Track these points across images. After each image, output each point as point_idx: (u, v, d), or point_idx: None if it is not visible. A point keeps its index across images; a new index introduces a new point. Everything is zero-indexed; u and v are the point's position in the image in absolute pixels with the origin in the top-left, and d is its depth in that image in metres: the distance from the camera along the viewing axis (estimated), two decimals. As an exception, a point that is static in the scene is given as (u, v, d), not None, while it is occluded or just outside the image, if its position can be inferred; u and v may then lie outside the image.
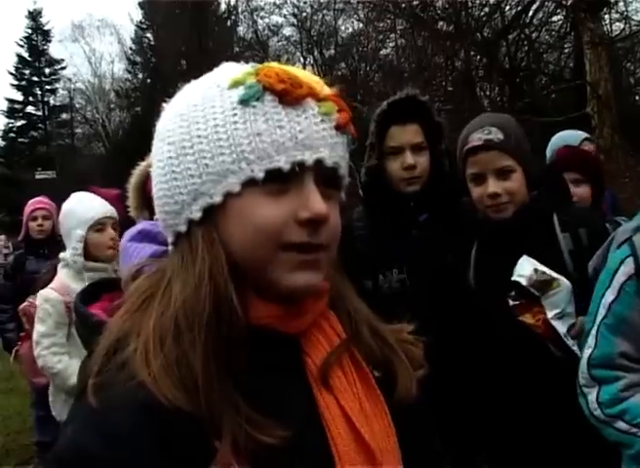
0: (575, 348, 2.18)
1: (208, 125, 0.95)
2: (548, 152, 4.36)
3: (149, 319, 0.93)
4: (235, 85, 0.95)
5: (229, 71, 1.00)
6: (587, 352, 2.15)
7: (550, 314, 2.19)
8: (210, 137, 0.95)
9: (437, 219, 2.66)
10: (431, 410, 1.17)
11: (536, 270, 2.19)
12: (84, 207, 3.65)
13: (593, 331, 2.14)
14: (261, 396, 0.92)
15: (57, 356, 3.54)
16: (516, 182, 2.35)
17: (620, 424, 2.06)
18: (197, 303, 0.91)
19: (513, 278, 2.21)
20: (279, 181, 0.94)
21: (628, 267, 2.11)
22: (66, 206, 3.77)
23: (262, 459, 0.87)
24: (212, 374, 0.88)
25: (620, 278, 2.12)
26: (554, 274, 2.20)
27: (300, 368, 0.99)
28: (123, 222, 5.04)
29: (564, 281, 2.21)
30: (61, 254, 3.72)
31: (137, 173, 4.08)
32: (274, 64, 0.99)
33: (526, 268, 2.21)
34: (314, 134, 0.95)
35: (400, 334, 1.13)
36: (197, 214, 0.95)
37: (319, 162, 0.95)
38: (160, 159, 1.00)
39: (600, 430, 2.12)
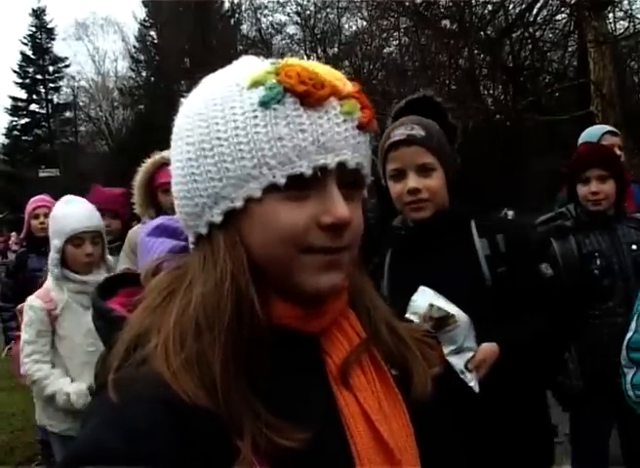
0: (472, 384, 2.11)
1: (228, 126, 0.93)
2: None
3: (170, 316, 0.93)
4: (255, 85, 0.93)
5: (249, 68, 0.97)
6: (628, 335, 2.26)
7: (446, 350, 2.11)
8: (230, 140, 0.93)
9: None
10: (448, 409, 1.17)
11: (431, 306, 2.10)
12: (65, 218, 3.62)
13: (635, 316, 2.25)
14: (281, 395, 0.91)
15: (37, 364, 3.54)
16: (437, 181, 2.30)
17: None
18: (218, 304, 0.91)
19: (407, 315, 2.11)
20: (301, 186, 0.92)
21: None
22: (53, 211, 3.77)
23: (282, 459, 0.87)
24: (230, 376, 0.88)
25: None
26: (451, 309, 2.12)
27: (320, 367, 0.99)
28: (128, 220, 5.07)
29: (461, 315, 2.14)
30: (48, 266, 3.72)
31: (142, 170, 4.09)
32: (294, 62, 0.96)
33: (421, 304, 2.12)
34: (336, 135, 0.93)
35: (415, 333, 1.13)
36: (218, 218, 0.94)
37: (342, 164, 0.93)
38: (179, 159, 0.98)
39: (635, 410, 2.24)
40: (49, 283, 3.66)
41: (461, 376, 2.12)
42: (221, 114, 0.94)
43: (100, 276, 3.51)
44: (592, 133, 4.58)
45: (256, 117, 0.91)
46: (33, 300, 3.60)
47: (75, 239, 3.55)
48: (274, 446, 0.86)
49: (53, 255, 3.57)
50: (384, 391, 1.01)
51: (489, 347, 2.19)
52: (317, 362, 0.99)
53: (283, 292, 0.95)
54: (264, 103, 0.91)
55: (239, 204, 0.93)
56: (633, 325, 2.27)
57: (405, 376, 1.05)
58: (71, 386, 3.46)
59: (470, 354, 2.14)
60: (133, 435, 0.83)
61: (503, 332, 2.22)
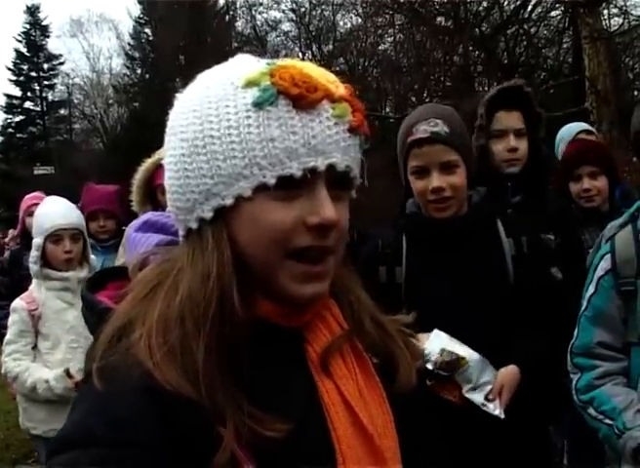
0: (496, 412, 2.17)
1: (221, 125, 0.95)
2: (561, 145, 4.39)
3: (155, 308, 0.95)
4: (249, 85, 0.95)
5: (244, 67, 0.99)
6: (571, 342, 2.31)
7: (464, 389, 2.19)
8: (223, 139, 0.95)
9: (529, 202, 2.82)
10: (429, 399, 1.19)
11: (442, 350, 2.16)
12: (45, 216, 3.69)
13: (577, 323, 2.30)
14: (264, 386, 0.94)
15: (16, 361, 3.56)
16: (460, 178, 2.29)
17: (590, 410, 2.23)
18: (203, 298, 0.93)
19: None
20: (290, 187, 0.94)
21: (606, 263, 2.25)
22: (37, 211, 3.83)
23: (265, 446, 0.89)
24: (213, 367, 0.90)
25: (598, 273, 2.27)
26: (461, 351, 2.18)
27: (302, 357, 1.02)
28: (124, 216, 5.06)
29: (472, 355, 2.19)
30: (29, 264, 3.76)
31: (142, 169, 4.10)
32: (289, 63, 0.99)
33: (434, 350, 2.17)
34: (327, 138, 0.95)
35: (398, 325, 1.15)
36: (208, 214, 0.97)
37: (331, 166, 0.96)
38: (172, 154, 1.01)
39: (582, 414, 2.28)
40: (33, 283, 3.70)
41: (483, 409, 2.17)
42: (215, 112, 0.96)
43: (81, 273, 3.54)
44: (568, 131, 4.58)
45: (249, 117, 0.94)
46: (17, 302, 3.66)
47: (54, 236, 3.58)
48: (256, 435, 0.88)
49: (33, 253, 3.62)
50: (365, 379, 1.04)
51: (507, 372, 2.22)
52: (299, 352, 1.02)
53: (267, 290, 0.98)
54: (258, 104, 0.93)
55: (229, 201, 0.95)
56: (575, 331, 2.31)
57: (389, 367, 1.08)
58: (50, 373, 3.47)
59: (489, 387, 2.19)
60: (117, 422, 0.87)
61: (517, 352, 2.25)
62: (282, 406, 0.93)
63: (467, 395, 2.18)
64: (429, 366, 2.15)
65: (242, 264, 0.96)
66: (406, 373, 1.08)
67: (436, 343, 2.19)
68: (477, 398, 2.18)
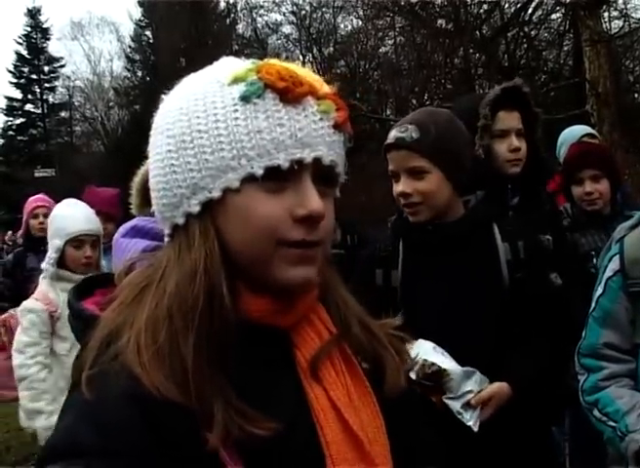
0: (470, 423, 2.14)
1: (208, 120, 0.96)
2: (563, 148, 4.39)
3: (143, 310, 0.94)
4: (236, 81, 0.96)
5: (229, 66, 1.00)
6: (579, 342, 2.31)
7: (444, 395, 2.18)
8: (210, 132, 0.95)
9: (526, 204, 2.82)
10: (420, 402, 1.19)
11: (425, 362, 2.15)
12: (67, 219, 3.65)
13: (585, 324, 2.31)
14: (252, 388, 0.93)
15: (42, 372, 3.51)
16: (430, 184, 2.25)
17: (595, 412, 2.24)
18: (191, 295, 0.93)
19: None
20: (277, 179, 0.95)
21: (615, 264, 2.26)
22: (54, 211, 3.81)
23: (253, 450, 0.89)
24: (203, 366, 0.90)
25: (607, 274, 2.28)
26: (444, 364, 2.16)
27: (290, 361, 1.01)
28: (123, 220, 5.07)
29: (454, 369, 2.17)
30: (42, 265, 3.72)
31: (141, 172, 4.08)
32: (275, 61, 1.00)
33: (416, 360, 2.15)
34: (313, 132, 0.96)
35: (386, 328, 1.15)
36: (196, 208, 0.97)
37: (317, 160, 0.97)
38: (159, 152, 1.00)
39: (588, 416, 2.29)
40: (44, 285, 3.64)
41: (458, 416, 2.14)
42: (202, 108, 0.97)
43: None
44: (572, 134, 4.58)
45: (236, 111, 0.95)
46: (33, 303, 3.60)
47: (76, 241, 3.56)
48: (245, 434, 0.88)
49: (51, 255, 3.57)
50: (354, 384, 1.03)
51: (498, 387, 2.19)
52: (287, 356, 1.01)
53: (256, 284, 0.98)
54: (245, 98, 0.95)
55: (217, 194, 0.95)
56: (583, 332, 2.32)
57: (377, 370, 1.07)
58: (47, 421, 3.42)
59: (470, 396, 2.17)
60: (105, 431, 0.86)
61: (514, 370, 2.23)
62: (270, 408, 0.92)
63: (446, 401, 2.17)
64: (412, 376, 2.13)
65: (229, 258, 0.96)
66: (394, 377, 1.08)
67: (419, 354, 2.17)
68: (454, 405, 2.16)
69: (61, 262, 3.62)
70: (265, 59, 1.01)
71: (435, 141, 2.24)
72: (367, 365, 1.08)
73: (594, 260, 3.33)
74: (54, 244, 3.60)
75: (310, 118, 0.97)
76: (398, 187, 2.31)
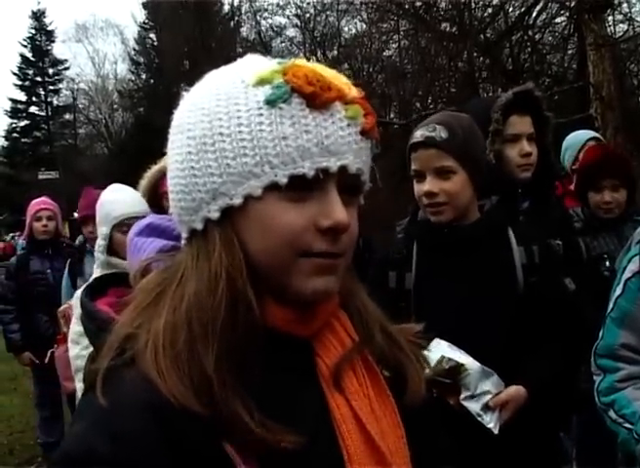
0: (490, 425, 2.15)
1: (231, 123, 0.92)
2: (569, 152, 4.37)
3: (160, 316, 0.92)
4: (261, 83, 0.93)
5: (254, 66, 0.97)
6: (596, 343, 2.28)
7: (462, 396, 2.18)
8: (233, 136, 0.92)
9: (537, 208, 2.82)
10: (438, 409, 1.18)
11: (442, 358, 2.16)
12: (112, 204, 3.53)
13: (603, 324, 2.28)
14: (273, 397, 0.91)
15: None
16: (456, 184, 2.27)
17: (611, 413, 2.20)
18: (212, 302, 0.90)
19: None
20: (301, 187, 0.92)
21: (634, 265, 2.23)
22: (100, 199, 3.66)
23: (273, 461, 0.87)
24: (225, 375, 0.87)
25: (626, 275, 2.25)
26: (461, 359, 2.17)
27: (312, 369, 0.99)
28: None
29: (472, 364, 2.17)
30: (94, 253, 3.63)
31: (148, 175, 4.07)
32: (302, 63, 0.97)
33: (434, 356, 2.16)
34: (340, 139, 0.93)
35: (408, 335, 1.13)
36: (215, 215, 0.94)
37: (343, 168, 0.93)
38: (179, 153, 0.97)
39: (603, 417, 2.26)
40: (97, 273, 3.57)
41: (478, 419, 2.14)
42: (225, 110, 0.93)
43: None
44: (577, 139, 4.56)
45: (261, 115, 0.91)
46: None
47: (122, 225, 3.44)
48: (266, 446, 0.86)
49: (99, 242, 3.48)
50: (376, 393, 1.01)
51: (515, 390, 2.20)
52: (309, 364, 0.99)
53: (276, 293, 0.95)
54: (271, 102, 0.91)
55: (238, 201, 0.92)
56: (600, 332, 2.29)
57: (398, 378, 1.05)
58: None
59: (488, 397, 2.17)
60: (120, 441, 0.84)
61: (530, 373, 2.23)
62: (292, 418, 0.89)
63: (464, 403, 2.17)
64: (429, 372, 2.14)
65: (249, 266, 0.93)
66: (416, 385, 1.06)
67: (436, 351, 2.18)
68: (474, 407, 2.17)
69: (112, 249, 3.52)
70: (292, 60, 0.98)
71: (462, 143, 2.27)
72: (388, 372, 1.06)
73: (607, 263, 3.33)
74: (101, 231, 3.50)
75: (337, 124, 0.93)
76: (424, 187, 2.30)
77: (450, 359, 2.16)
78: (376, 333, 1.06)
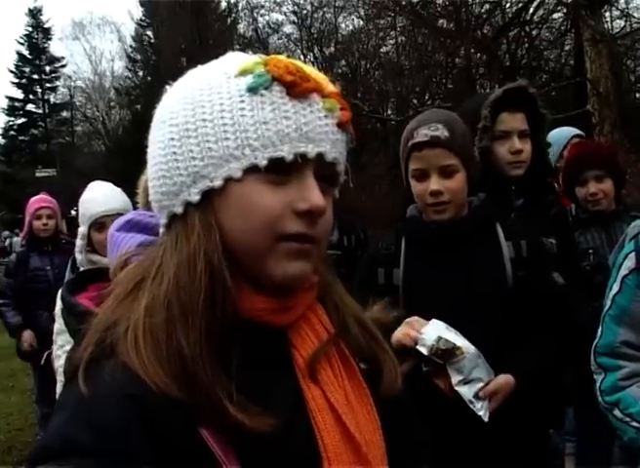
0: (481, 413, 2.15)
1: (214, 109, 0.95)
2: (553, 149, 4.37)
3: (140, 304, 0.93)
4: (243, 73, 0.96)
5: (237, 60, 1.01)
6: (595, 341, 2.28)
7: (454, 380, 2.17)
8: (215, 122, 0.95)
9: (531, 205, 2.80)
10: (412, 399, 1.19)
11: (439, 338, 2.16)
12: (87, 202, 3.54)
13: (601, 322, 2.27)
14: (249, 387, 0.91)
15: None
16: (459, 182, 2.29)
17: (616, 412, 2.19)
18: (191, 285, 0.92)
19: (417, 347, 2.16)
20: (280, 171, 0.95)
21: (631, 262, 2.23)
22: (81, 198, 3.64)
23: (249, 450, 0.88)
24: (204, 358, 0.88)
25: (623, 272, 2.25)
26: (458, 341, 2.17)
27: (288, 360, 1.00)
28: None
29: (468, 347, 2.17)
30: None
31: (145, 173, 4.07)
32: (281, 57, 1.00)
33: (430, 336, 2.17)
34: (318, 128, 0.96)
35: (381, 323, 1.15)
36: (196, 197, 0.96)
37: (320, 156, 0.96)
38: (160, 140, 0.99)
39: (606, 416, 2.25)
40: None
41: (470, 406, 2.15)
42: (208, 98, 0.97)
43: None
44: (562, 135, 4.55)
45: (242, 102, 0.95)
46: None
47: (97, 224, 3.45)
48: (243, 429, 0.87)
49: (77, 242, 3.48)
50: (352, 385, 1.03)
51: (504, 379, 2.21)
52: (285, 355, 1.00)
53: (254, 281, 0.97)
54: (252, 89, 0.95)
55: (218, 183, 0.95)
56: (599, 331, 2.29)
57: (374, 370, 1.07)
58: None
59: (480, 384, 2.18)
60: (100, 432, 0.84)
61: (519, 363, 2.24)
62: (268, 408, 0.90)
63: (457, 388, 2.17)
64: (424, 351, 2.15)
65: (227, 252, 0.95)
66: (391, 378, 1.07)
67: (434, 330, 2.18)
68: (466, 393, 2.17)
69: (93, 249, 3.49)
70: (272, 55, 1.01)
71: (462, 141, 2.30)
72: (364, 365, 1.07)
73: (590, 258, 3.34)
74: (80, 231, 3.50)
75: (316, 114, 0.96)
76: (429, 186, 2.30)
77: (447, 340, 2.16)
78: (352, 326, 1.07)
